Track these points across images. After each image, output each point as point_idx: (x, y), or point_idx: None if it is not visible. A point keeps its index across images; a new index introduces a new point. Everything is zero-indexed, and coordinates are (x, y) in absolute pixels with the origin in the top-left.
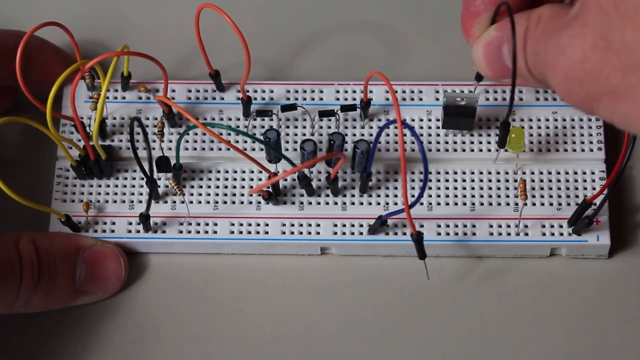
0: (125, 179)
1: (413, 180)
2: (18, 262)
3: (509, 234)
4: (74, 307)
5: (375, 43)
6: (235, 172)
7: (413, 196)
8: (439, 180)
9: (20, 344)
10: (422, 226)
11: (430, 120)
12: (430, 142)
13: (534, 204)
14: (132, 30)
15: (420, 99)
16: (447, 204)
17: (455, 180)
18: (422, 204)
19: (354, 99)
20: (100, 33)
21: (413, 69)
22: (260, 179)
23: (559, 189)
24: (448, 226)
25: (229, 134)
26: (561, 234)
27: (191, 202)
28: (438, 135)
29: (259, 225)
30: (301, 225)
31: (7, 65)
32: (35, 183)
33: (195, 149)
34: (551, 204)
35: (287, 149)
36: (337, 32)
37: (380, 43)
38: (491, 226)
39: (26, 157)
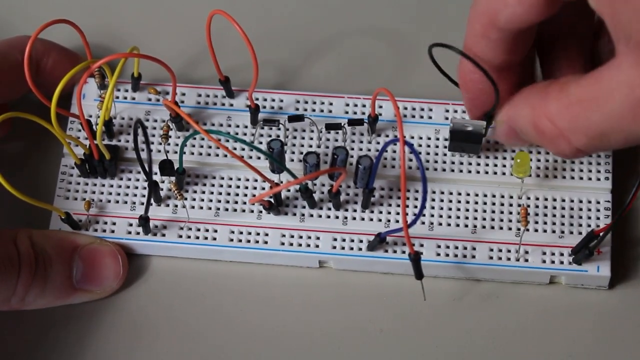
0: (129, 179)
1: (416, 199)
2: (17, 258)
3: (508, 259)
4: (71, 305)
5: (388, 55)
6: (239, 179)
7: (415, 215)
8: (442, 200)
9: (17, 342)
10: (422, 245)
11: (437, 139)
12: (436, 162)
13: (536, 230)
14: (142, 31)
15: (430, 117)
16: (449, 224)
17: (459, 202)
18: (423, 223)
19: (364, 113)
20: (110, 34)
21: (425, 85)
22: (263, 188)
23: (563, 216)
24: (448, 247)
25: (235, 142)
26: (561, 262)
27: (193, 207)
28: (444, 155)
29: (258, 234)
30: (301, 237)
31: (18, 80)
32: (41, 179)
33: (200, 154)
34: (554, 231)
35: (292, 160)
36: (351, 41)
37: (393, 55)
38: (491, 250)
39: (34, 153)
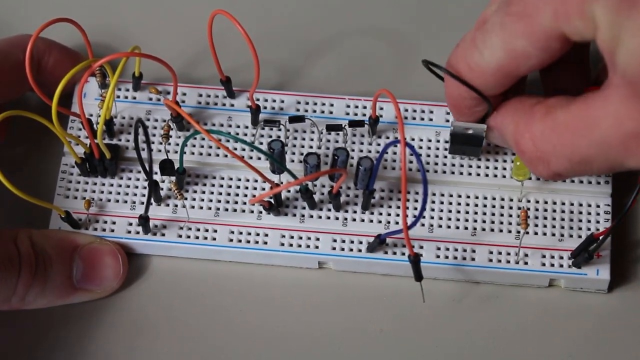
0: (129, 179)
1: (416, 201)
2: (17, 258)
3: (508, 262)
4: (71, 305)
5: (388, 55)
6: (239, 179)
7: (415, 217)
8: (442, 203)
9: (17, 342)
10: (421, 247)
11: (438, 141)
12: (436, 164)
13: (535, 233)
14: (143, 31)
15: (431, 120)
16: (449, 227)
17: (459, 204)
18: (423, 225)
19: (364, 115)
20: (112, 33)
21: (425, 85)
22: (263, 189)
23: (563, 219)
24: (448, 249)
25: (236, 142)
26: (561, 266)
27: (192, 207)
28: (445, 157)
29: (258, 235)
30: (300, 237)
31: (18, 79)
32: (41, 178)
33: (201, 154)
34: (553, 235)
35: (292, 160)
36: (351, 42)
37: (393, 55)
38: (491, 252)
39: (34, 152)
